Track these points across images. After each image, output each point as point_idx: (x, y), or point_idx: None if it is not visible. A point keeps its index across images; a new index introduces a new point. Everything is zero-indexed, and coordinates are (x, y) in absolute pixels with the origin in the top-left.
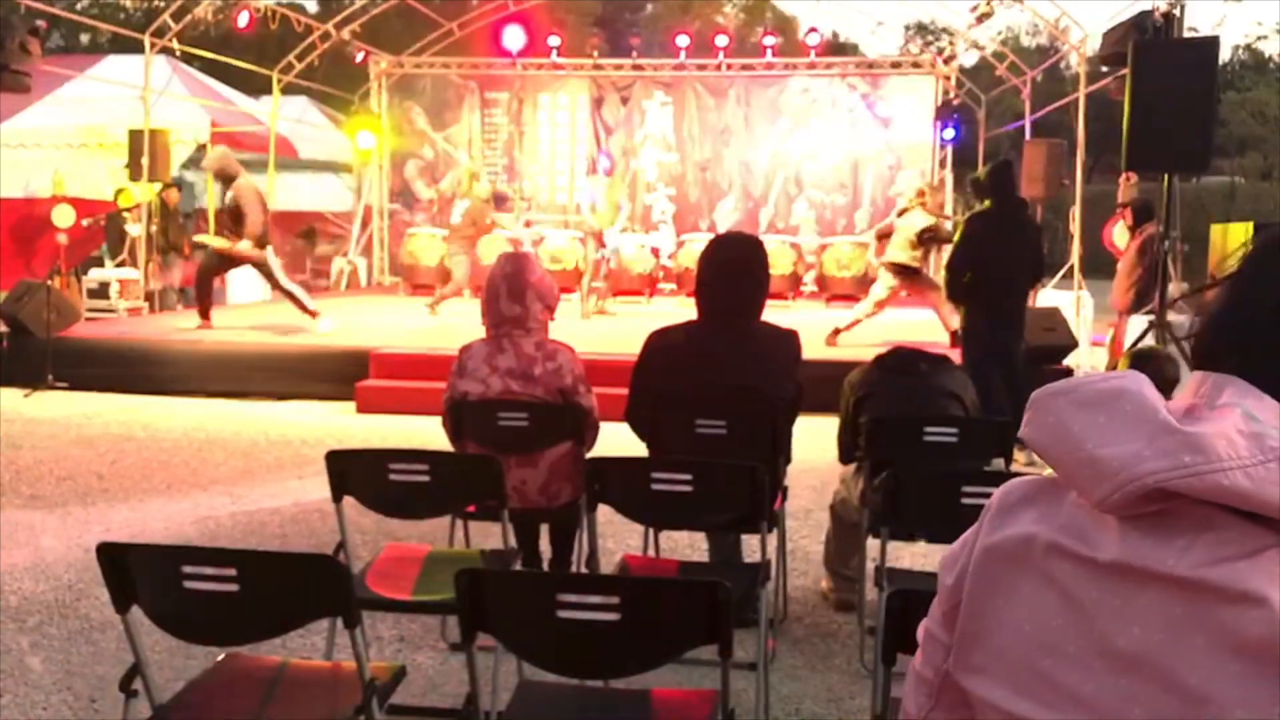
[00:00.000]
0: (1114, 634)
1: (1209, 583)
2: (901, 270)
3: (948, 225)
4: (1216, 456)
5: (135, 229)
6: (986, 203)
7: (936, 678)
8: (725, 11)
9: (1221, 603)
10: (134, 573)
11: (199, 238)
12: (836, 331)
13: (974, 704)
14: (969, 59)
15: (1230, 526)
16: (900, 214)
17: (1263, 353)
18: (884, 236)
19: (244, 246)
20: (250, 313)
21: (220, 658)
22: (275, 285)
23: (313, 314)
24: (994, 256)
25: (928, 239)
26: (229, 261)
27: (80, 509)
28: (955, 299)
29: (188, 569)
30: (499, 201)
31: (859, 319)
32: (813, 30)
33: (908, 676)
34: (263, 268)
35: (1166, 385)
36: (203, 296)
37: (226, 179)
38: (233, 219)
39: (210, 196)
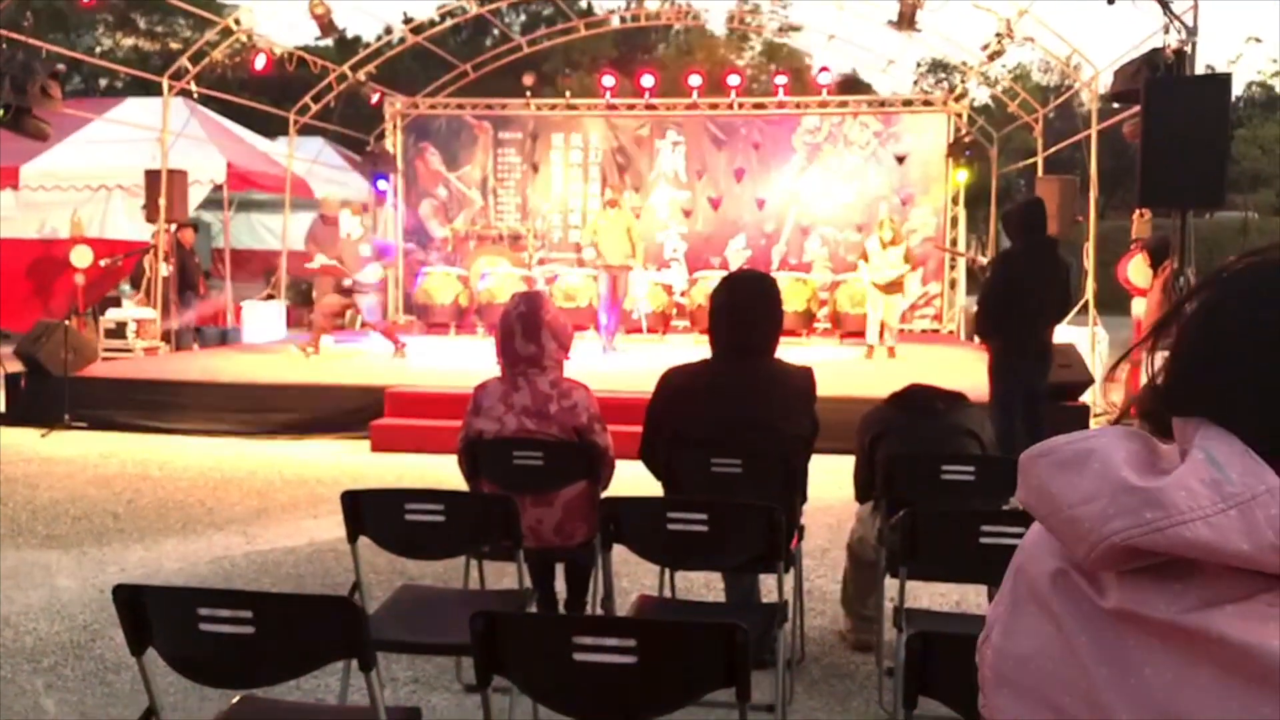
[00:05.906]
0: (1121, 675)
1: (1202, 629)
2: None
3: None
4: (1176, 510)
5: (165, 269)
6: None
7: None
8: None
9: (1217, 647)
10: (149, 615)
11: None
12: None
13: None
14: (981, 96)
15: (1219, 573)
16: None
17: (1231, 389)
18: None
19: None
20: (265, 351)
21: (235, 700)
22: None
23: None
24: (1025, 294)
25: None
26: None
27: (96, 549)
28: (984, 335)
29: (203, 611)
30: (513, 240)
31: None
32: (824, 69)
33: None
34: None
35: None
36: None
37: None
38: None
39: (227, 237)
